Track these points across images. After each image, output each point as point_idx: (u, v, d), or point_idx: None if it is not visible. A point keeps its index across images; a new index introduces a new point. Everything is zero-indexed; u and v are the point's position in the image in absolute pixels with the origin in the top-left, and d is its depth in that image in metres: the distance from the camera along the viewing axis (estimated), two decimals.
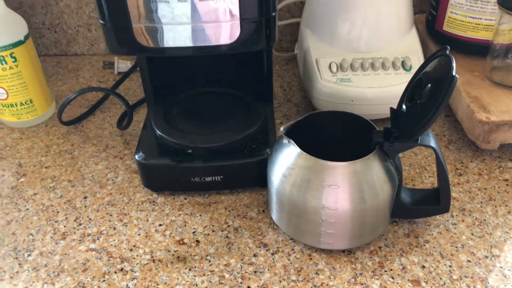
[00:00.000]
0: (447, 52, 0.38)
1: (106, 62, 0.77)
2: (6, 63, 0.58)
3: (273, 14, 0.41)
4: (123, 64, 0.75)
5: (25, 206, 0.51)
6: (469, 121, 0.54)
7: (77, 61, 0.80)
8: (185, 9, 0.39)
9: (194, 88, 0.59)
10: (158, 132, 0.52)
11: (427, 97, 0.38)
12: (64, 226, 0.49)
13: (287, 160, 0.43)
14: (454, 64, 0.36)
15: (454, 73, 0.35)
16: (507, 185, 0.51)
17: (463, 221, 0.47)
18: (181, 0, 0.39)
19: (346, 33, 0.59)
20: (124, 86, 0.72)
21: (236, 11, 0.40)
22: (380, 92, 0.56)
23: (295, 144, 0.42)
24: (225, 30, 0.41)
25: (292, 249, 0.45)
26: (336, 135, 0.47)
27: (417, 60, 0.58)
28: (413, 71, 0.57)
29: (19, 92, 0.61)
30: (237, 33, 0.41)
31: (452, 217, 0.48)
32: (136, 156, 0.50)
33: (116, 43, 0.42)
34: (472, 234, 0.46)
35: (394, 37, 0.60)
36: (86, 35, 0.80)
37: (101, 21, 0.41)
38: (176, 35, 0.41)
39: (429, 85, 0.38)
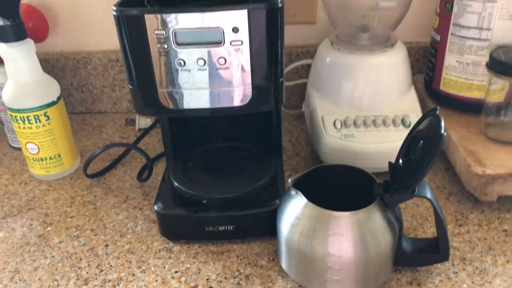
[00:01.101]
0: (437, 112, 0.42)
1: (128, 119, 0.83)
2: (40, 121, 0.64)
3: (281, 80, 0.47)
4: (143, 121, 0.81)
5: (51, 253, 0.55)
6: (467, 174, 0.57)
7: (101, 118, 0.86)
8: (204, 76, 0.45)
9: (210, 143, 0.63)
10: (176, 184, 0.56)
11: (420, 152, 0.42)
12: (87, 273, 0.52)
13: (295, 210, 0.46)
14: (443, 124, 0.40)
15: (442, 132, 0.39)
16: (506, 235, 0.54)
17: (464, 270, 0.50)
18: (201, 69, 0.44)
19: (349, 94, 0.64)
20: (144, 142, 0.77)
21: (248, 78, 0.45)
22: (381, 147, 0.60)
23: (302, 195, 0.46)
24: (238, 94, 0.46)
25: None
26: (340, 187, 0.51)
27: (416, 117, 0.62)
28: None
29: (49, 148, 0.66)
30: (248, 96, 0.46)
31: (454, 266, 0.50)
32: (155, 207, 0.54)
33: (143, 105, 0.48)
34: (473, 282, 0.48)
35: (394, 97, 0.65)
36: (110, 95, 0.86)
37: (130, 86, 0.47)
38: (195, 98, 0.46)
39: (422, 141, 0.42)
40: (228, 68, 0.44)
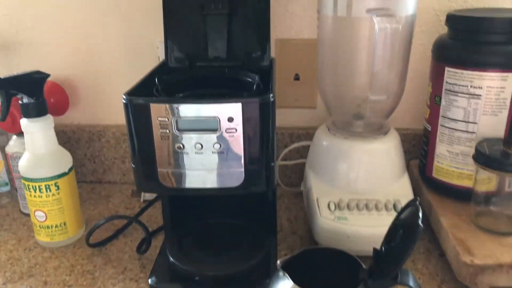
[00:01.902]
0: (417, 203, 0.45)
1: (134, 191, 0.86)
2: (50, 191, 0.68)
3: (272, 164, 0.50)
4: (148, 194, 0.85)
5: None
6: (457, 262, 0.58)
7: (110, 188, 0.90)
8: (201, 159, 0.49)
9: (207, 219, 0.66)
10: (171, 259, 0.58)
11: (400, 240, 0.44)
12: None
13: None
14: (420, 215, 0.42)
15: (419, 223, 0.42)
16: None
17: None
18: (198, 153, 0.48)
19: (344, 177, 0.67)
20: (147, 213, 0.80)
21: (241, 162, 0.49)
22: (373, 230, 0.62)
23: (289, 278, 0.47)
24: (231, 176, 0.49)
25: None
26: (328, 269, 0.52)
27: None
28: None
29: (56, 216, 0.70)
30: (241, 179, 0.50)
31: None
32: (149, 280, 0.56)
33: (143, 183, 0.51)
34: None
35: (387, 182, 0.67)
36: (120, 166, 0.91)
37: (132, 165, 0.51)
38: (192, 179, 0.50)
39: (402, 230, 0.44)
40: (223, 152, 0.48)
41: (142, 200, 0.85)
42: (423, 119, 0.83)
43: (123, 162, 0.91)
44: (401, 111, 0.75)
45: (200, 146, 0.48)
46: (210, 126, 0.47)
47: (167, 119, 0.47)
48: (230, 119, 0.47)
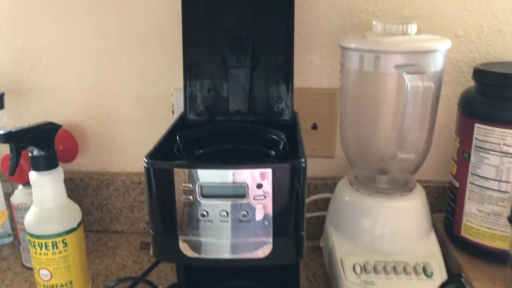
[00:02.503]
0: (462, 280, 0.41)
1: (143, 243, 0.82)
2: (57, 248, 0.64)
3: (302, 233, 0.47)
4: None
5: None
6: None
7: (116, 239, 0.86)
8: (226, 228, 0.45)
9: (224, 281, 0.62)
10: None
11: None
12: None
13: None
14: None
15: None
16: None
17: None
18: (223, 221, 0.45)
19: (368, 236, 0.64)
20: (157, 269, 0.75)
21: (269, 231, 0.45)
22: None
23: None
24: (258, 247, 0.46)
25: None
26: None
27: (437, 266, 0.60)
28: (435, 277, 0.59)
29: (62, 275, 0.65)
30: (269, 249, 0.46)
31: None
32: None
33: (162, 251, 0.48)
34: None
35: (413, 241, 0.64)
36: (128, 215, 0.87)
37: (152, 232, 0.48)
38: (215, 248, 0.46)
39: None
40: (250, 221, 0.45)
41: (151, 253, 0.80)
42: (444, 171, 0.81)
43: (132, 211, 0.87)
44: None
45: (225, 214, 0.45)
46: (237, 192, 0.44)
47: (191, 185, 0.44)
48: (259, 185, 0.44)
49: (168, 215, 0.46)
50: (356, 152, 0.69)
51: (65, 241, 0.65)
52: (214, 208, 0.45)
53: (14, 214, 0.75)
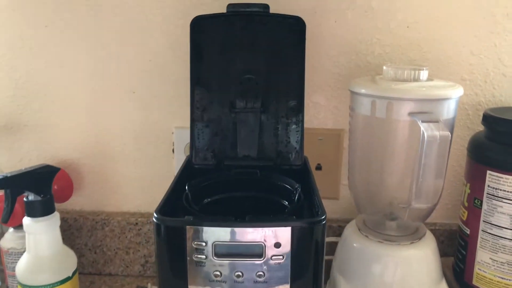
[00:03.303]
0: None
1: (139, 287, 0.79)
2: None
3: None
4: None
5: None
6: None
7: (111, 282, 0.82)
8: None
9: None
10: None
11: None
12: None
13: None
14: None
15: None
16: None
17: None
18: (237, 282, 0.42)
19: (378, 283, 0.61)
20: None
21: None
22: None
23: None
24: None
25: None
26: None
27: None
28: None
29: None
30: None
31: None
32: None
33: None
34: None
35: None
36: (123, 257, 0.83)
37: None
38: None
39: None
40: (266, 282, 0.42)
41: None
42: (450, 214, 0.79)
43: (127, 253, 0.83)
44: None
45: (240, 274, 0.42)
46: (253, 252, 0.42)
47: (204, 244, 0.42)
48: (277, 245, 0.41)
49: (178, 275, 0.43)
50: (365, 196, 0.67)
51: None
52: (229, 268, 0.42)
53: (3, 259, 0.71)
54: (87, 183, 0.83)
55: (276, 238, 0.41)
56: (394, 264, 0.62)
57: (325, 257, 0.77)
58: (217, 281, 0.42)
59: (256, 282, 0.42)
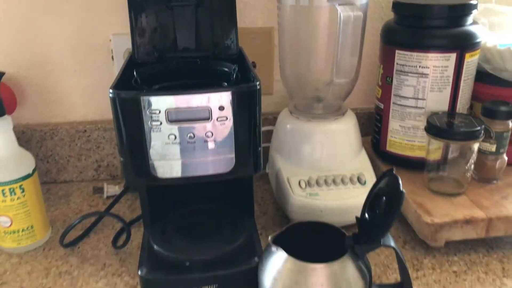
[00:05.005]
0: (394, 172, 0.50)
1: (95, 188, 0.85)
2: (15, 194, 0.65)
3: (259, 148, 0.53)
4: (111, 189, 0.83)
5: None
6: (418, 223, 0.65)
7: (67, 188, 0.87)
8: (193, 148, 0.50)
9: (185, 206, 0.67)
10: (157, 248, 0.59)
11: (384, 208, 0.49)
12: None
13: (276, 265, 0.51)
14: (400, 182, 0.48)
15: (401, 189, 0.47)
16: (455, 275, 0.62)
17: None
18: (190, 142, 0.50)
19: (309, 156, 0.72)
20: (114, 210, 0.79)
21: (232, 148, 0.51)
22: (342, 203, 0.67)
23: (283, 251, 0.51)
24: (223, 163, 0.52)
25: None
26: (313, 241, 0.56)
27: (369, 175, 0.70)
28: (368, 184, 0.69)
29: (22, 220, 0.67)
30: (232, 164, 0.52)
31: None
32: (139, 272, 0.56)
33: (134, 176, 0.52)
34: None
35: (348, 158, 0.73)
36: (76, 164, 0.88)
37: (121, 158, 0.51)
38: (185, 168, 0.51)
39: (384, 198, 0.49)
40: (214, 140, 0.50)
41: (105, 196, 0.83)
42: (369, 99, 0.91)
43: (79, 160, 0.88)
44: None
45: (192, 136, 0.50)
46: (201, 115, 0.49)
47: (158, 111, 0.48)
48: (221, 108, 0.49)
49: (137, 141, 0.49)
50: (294, 84, 0.76)
51: (22, 187, 0.66)
52: (181, 131, 0.49)
53: None
54: (30, 96, 0.85)
55: (220, 102, 0.49)
56: (321, 138, 0.72)
57: (263, 145, 0.87)
58: (172, 143, 0.50)
59: (205, 141, 0.50)
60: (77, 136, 0.86)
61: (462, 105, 0.72)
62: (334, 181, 0.70)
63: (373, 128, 0.81)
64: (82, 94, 0.86)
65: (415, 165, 0.74)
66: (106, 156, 0.88)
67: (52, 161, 0.87)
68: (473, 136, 0.65)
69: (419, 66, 0.68)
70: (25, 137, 0.85)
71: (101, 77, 0.85)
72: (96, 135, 0.86)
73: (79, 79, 0.85)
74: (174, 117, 0.49)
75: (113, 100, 0.48)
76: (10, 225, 0.66)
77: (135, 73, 0.54)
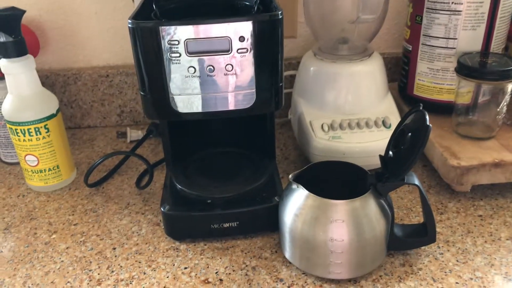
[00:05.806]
0: (421, 108, 0.48)
1: (119, 132, 0.85)
2: (40, 133, 0.66)
3: (280, 84, 0.52)
4: (134, 133, 0.84)
5: (60, 258, 0.57)
6: (444, 167, 0.63)
7: (91, 133, 0.88)
8: (213, 82, 0.49)
9: (207, 149, 0.67)
10: (179, 187, 0.60)
11: (409, 143, 0.47)
12: (98, 274, 0.54)
13: (297, 202, 0.51)
14: (427, 117, 0.46)
15: (428, 124, 0.45)
16: (481, 219, 0.60)
17: (448, 250, 0.55)
18: (210, 75, 0.49)
19: (333, 99, 0.70)
20: (137, 152, 0.79)
21: (253, 82, 0.50)
22: (366, 146, 0.66)
23: (303, 188, 0.50)
24: (243, 98, 0.50)
25: (306, 282, 0.52)
26: (335, 181, 0.56)
27: (394, 119, 0.68)
28: (392, 128, 0.67)
29: (48, 159, 0.68)
30: (253, 99, 0.51)
31: (439, 248, 0.56)
32: (162, 208, 0.57)
33: (154, 110, 0.51)
34: (457, 260, 0.54)
35: (373, 101, 0.71)
36: (100, 109, 0.89)
37: (141, 93, 0.51)
38: (204, 102, 0.50)
39: (410, 134, 0.48)
40: (235, 73, 0.49)
41: (128, 141, 0.84)
42: (397, 44, 0.87)
43: (103, 105, 0.89)
44: (377, 37, 0.77)
45: (212, 69, 0.48)
46: (221, 47, 0.48)
47: (177, 42, 0.47)
48: (242, 39, 0.47)
49: (156, 74, 0.49)
50: (319, 24, 0.73)
51: (47, 126, 0.67)
52: (201, 63, 0.48)
53: None
54: (52, 40, 0.84)
55: (240, 32, 0.47)
56: (346, 80, 0.70)
57: (286, 91, 0.85)
58: (192, 76, 0.49)
59: (226, 74, 0.49)
60: (99, 81, 0.86)
61: (496, 45, 0.68)
62: (358, 125, 0.68)
63: (400, 72, 0.78)
64: (104, 38, 0.85)
65: (443, 109, 0.71)
66: (128, 102, 0.88)
67: (76, 107, 0.88)
68: (507, 76, 0.61)
69: (452, 2, 0.64)
70: (49, 81, 0.85)
71: (122, 20, 0.84)
72: (118, 80, 0.86)
73: (99, 22, 0.84)
74: (194, 48, 0.47)
75: (132, 31, 0.47)
76: (37, 164, 0.68)
77: (154, 6, 0.52)
